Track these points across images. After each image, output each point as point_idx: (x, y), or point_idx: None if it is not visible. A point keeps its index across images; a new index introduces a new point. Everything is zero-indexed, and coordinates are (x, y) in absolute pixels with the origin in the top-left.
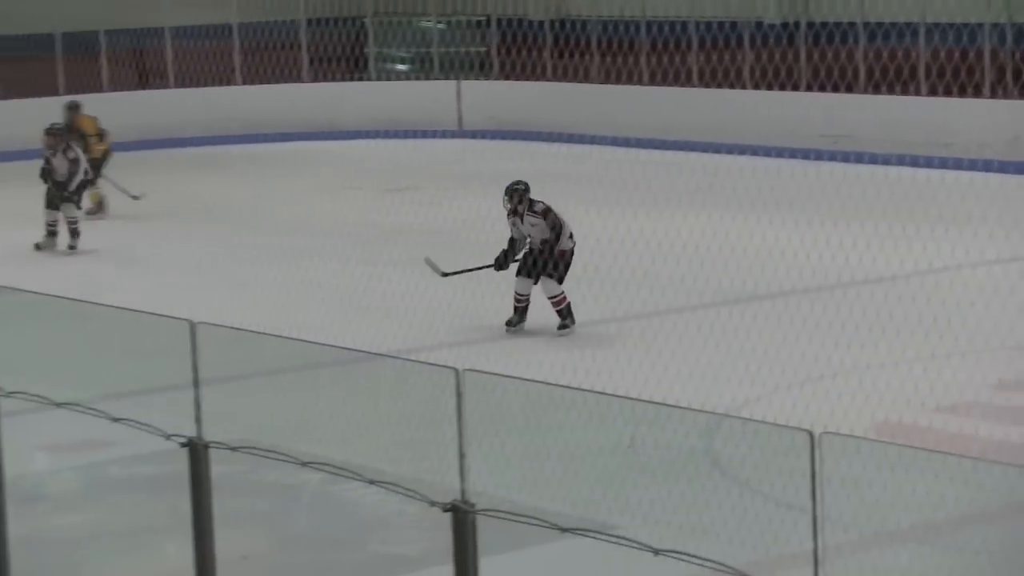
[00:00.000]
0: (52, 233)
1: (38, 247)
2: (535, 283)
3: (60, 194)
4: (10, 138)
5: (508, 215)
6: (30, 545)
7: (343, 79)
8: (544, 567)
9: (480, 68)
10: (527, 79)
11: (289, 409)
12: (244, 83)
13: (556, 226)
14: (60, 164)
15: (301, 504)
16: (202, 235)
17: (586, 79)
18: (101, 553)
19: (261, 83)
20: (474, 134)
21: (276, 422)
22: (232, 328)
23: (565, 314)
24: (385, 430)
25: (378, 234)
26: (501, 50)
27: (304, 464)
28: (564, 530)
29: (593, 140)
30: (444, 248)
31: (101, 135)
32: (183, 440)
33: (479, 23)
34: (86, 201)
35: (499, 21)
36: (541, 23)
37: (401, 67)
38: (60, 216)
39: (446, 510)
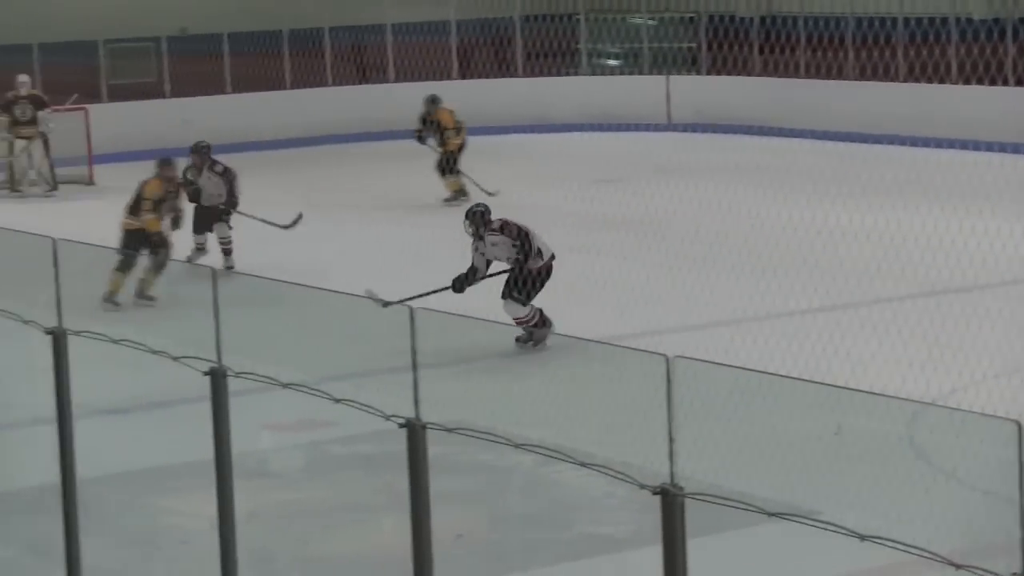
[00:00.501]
0: (201, 250)
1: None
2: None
3: (217, 211)
4: (238, 130)
5: (472, 241)
6: (255, 520)
7: (556, 74)
8: (750, 550)
9: (691, 64)
10: (735, 74)
11: (502, 392)
12: (461, 78)
13: (520, 235)
14: (208, 183)
15: (511, 484)
16: (417, 223)
17: (794, 74)
18: (322, 528)
19: (477, 78)
20: (683, 128)
21: (489, 405)
22: (448, 314)
23: (528, 334)
24: (595, 414)
25: (588, 224)
26: (712, 45)
27: (517, 446)
28: (771, 514)
29: (800, 134)
30: (652, 238)
31: (458, 128)
32: (401, 421)
33: (689, 19)
34: (444, 190)
35: (709, 17)
36: (750, 19)
37: (612, 62)
38: (208, 237)
39: (656, 493)
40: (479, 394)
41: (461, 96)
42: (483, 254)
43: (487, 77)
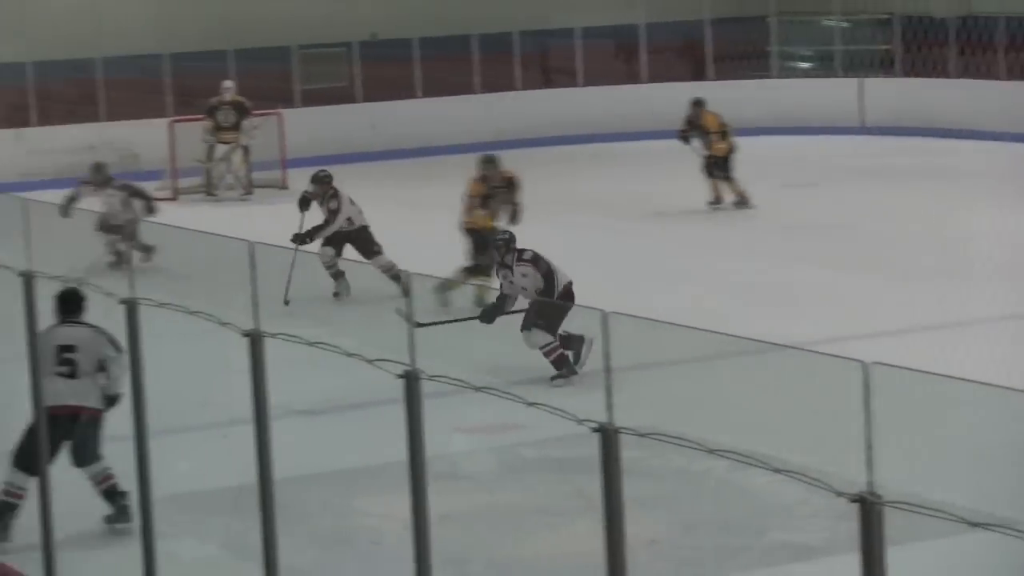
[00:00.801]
0: (338, 274)
1: (336, 295)
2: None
3: (303, 237)
4: (428, 135)
5: (497, 269)
6: (447, 523)
7: (745, 77)
8: (951, 560)
9: (888, 65)
10: (931, 76)
11: (695, 397)
12: (649, 81)
13: (548, 272)
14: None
15: (704, 489)
16: (610, 228)
17: (993, 76)
18: (515, 531)
19: (665, 81)
20: (877, 131)
21: (682, 409)
22: (642, 318)
23: (560, 364)
24: (789, 420)
25: (781, 228)
26: (911, 47)
27: (710, 451)
28: (973, 524)
29: (1000, 137)
30: (844, 243)
31: (724, 132)
32: (594, 425)
33: (884, 21)
34: (729, 194)
35: (907, 19)
36: (948, 20)
37: (803, 65)
38: (332, 252)
39: (853, 501)
40: (671, 398)
41: (650, 100)
42: (512, 282)
43: (676, 80)
